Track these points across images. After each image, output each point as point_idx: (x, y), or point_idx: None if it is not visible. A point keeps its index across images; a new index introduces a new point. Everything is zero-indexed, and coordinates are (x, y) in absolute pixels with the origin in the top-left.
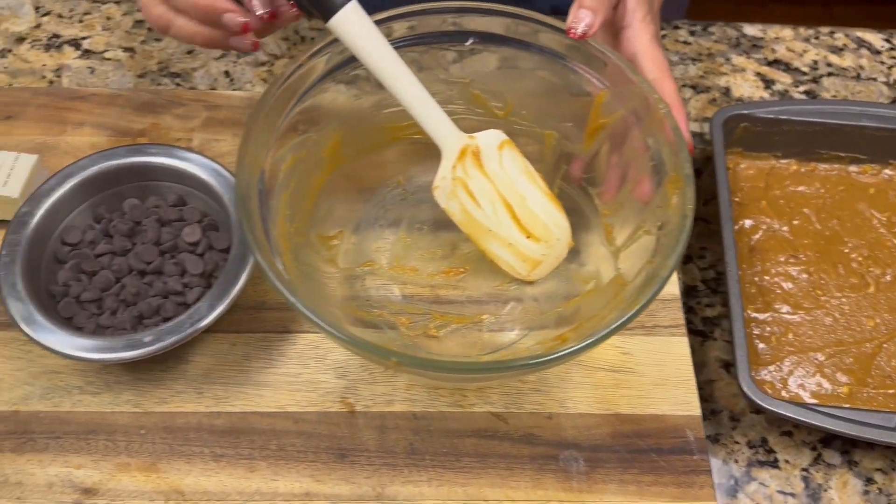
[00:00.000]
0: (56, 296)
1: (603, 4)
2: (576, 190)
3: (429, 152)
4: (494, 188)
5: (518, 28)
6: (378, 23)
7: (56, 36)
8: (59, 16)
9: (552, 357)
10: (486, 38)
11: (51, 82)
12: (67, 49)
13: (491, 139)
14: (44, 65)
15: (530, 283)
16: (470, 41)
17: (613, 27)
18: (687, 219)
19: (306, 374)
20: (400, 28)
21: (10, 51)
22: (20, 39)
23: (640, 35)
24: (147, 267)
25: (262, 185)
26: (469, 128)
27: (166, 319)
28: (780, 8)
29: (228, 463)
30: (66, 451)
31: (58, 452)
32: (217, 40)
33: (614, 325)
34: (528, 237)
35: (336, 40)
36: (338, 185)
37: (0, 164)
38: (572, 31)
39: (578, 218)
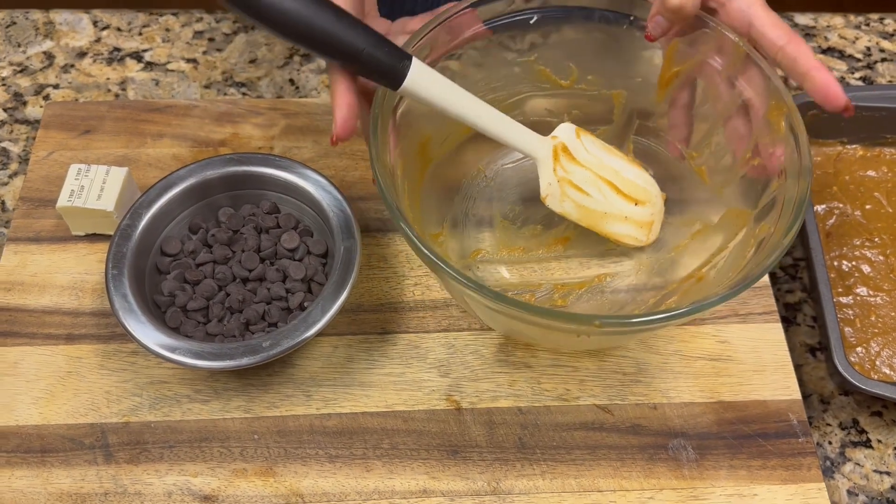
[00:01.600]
0: (161, 306)
1: None
2: (651, 142)
3: None
4: (593, 173)
5: None
6: (446, 18)
7: (117, 49)
8: (118, 29)
9: (730, 292)
10: (549, 12)
11: (116, 95)
12: (130, 62)
13: (568, 132)
14: (108, 78)
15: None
16: (535, 17)
17: (705, 5)
18: (805, 138)
19: (409, 374)
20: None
21: (72, 66)
22: (81, 54)
23: (753, 3)
24: (250, 274)
25: (394, 194)
26: (536, 105)
27: (272, 324)
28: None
29: (344, 463)
30: (181, 460)
31: (173, 461)
32: None
33: (783, 247)
34: (636, 204)
35: (420, 40)
36: (432, 184)
37: (93, 178)
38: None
39: (662, 168)
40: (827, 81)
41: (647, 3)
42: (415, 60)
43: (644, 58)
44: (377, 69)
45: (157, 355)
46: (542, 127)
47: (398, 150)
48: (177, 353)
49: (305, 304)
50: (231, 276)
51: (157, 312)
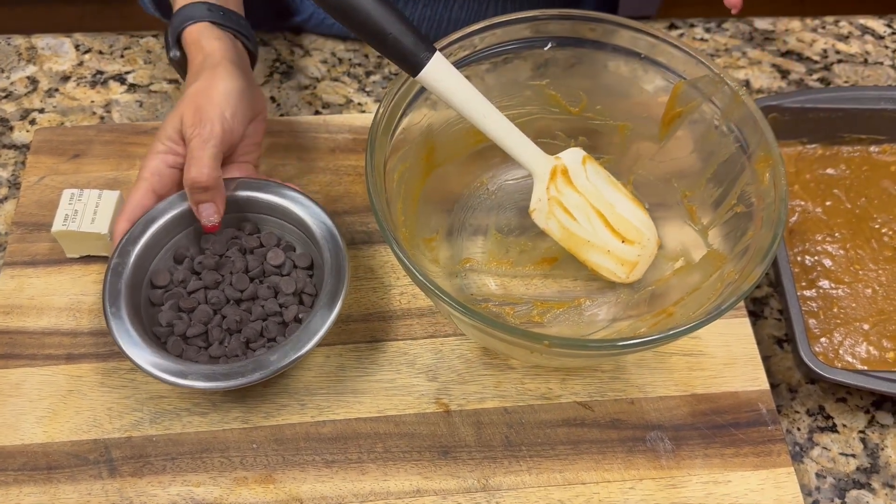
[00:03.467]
0: (161, 336)
1: None
2: (652, 176)
3: (504, 152)
4: (586, 201)
5: (593, 29)
6: (464, 37)
7: (100, 72)
8: (100, 52)
9: (691, 326)
10: (564, 42)
11: (101, 118)
12: (113, 84)
13: (575, 156)
14: (92, 101)
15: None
16: (549, 45)
17: None
18: (784, 192)
19: (400, 380)
20: (483, 39)
21: (57, 90)
22: (65, 78)
23: None
24: (242, 294)
25: (386, 195)
26: (545, 127)
27: (271, 339)
28: None
29: (340, 468)
30: (183, 471)
31: (176, 473)
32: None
33: (742, 292)
34: (623, 241)
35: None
36: (432, 191)
37: (86, 202)
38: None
39: (657, 204)
40: None
41: (658, 44)
42: (437, 54)
43: (651, 95)
44: (399, 54)
45: (172, 384)
46: (549, 149)
47: (399, 155)
48: (189, 378)
49: (300, 315)
50: (224, 299)
51: (159, 343)
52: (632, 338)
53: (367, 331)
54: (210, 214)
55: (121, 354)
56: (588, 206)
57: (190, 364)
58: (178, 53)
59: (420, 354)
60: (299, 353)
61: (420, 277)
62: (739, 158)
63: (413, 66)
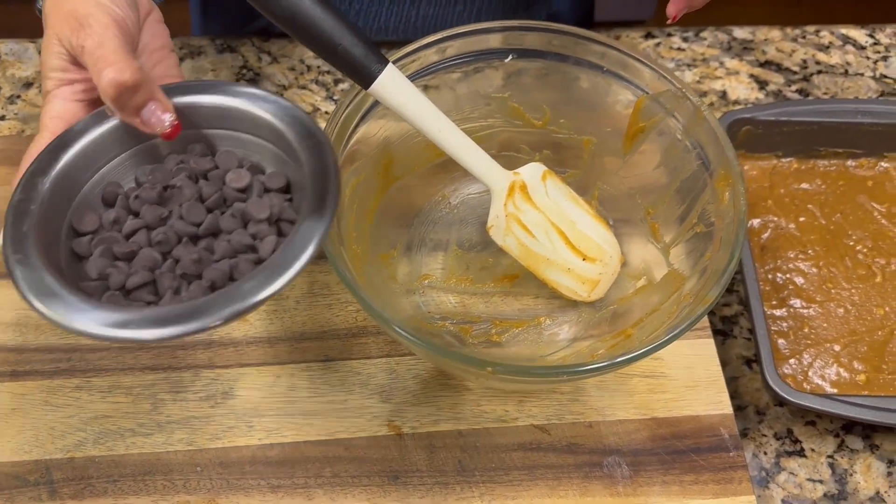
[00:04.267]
0: (94, 293)
1: None
2: (616, 191)
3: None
4: (546, 218)
5: (556, 41)
6: (423, 47)
7: None
8: None
9: (645, 350)
10: (525, 53)
11: None
12: None
13: (534, 171)
14: None
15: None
16: (510, 57)
17: None
18: (743, 213)
19: (352, 401)
20: (444, 49)
21: (19, 96)
22: (28, 84)
23: None
24: (198, 229)
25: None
26: (508, 140)
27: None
28: None
29: (286, 493)
30: (125, 494)
31: (117, 496)
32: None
33: (693, 318)
34: (584, 259)
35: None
36: (390, 205)
37: None
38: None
39: (621, 220)
40: None
41: (620, 57)
42: (390, 66)
43: (615, 109)
44: (349, 66)
45: (110, 339)
46: (514, 163)
47: (352, 168)
48: (132, 327)
49: (280, 248)
50: (175, 238)
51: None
52: (577, 365)
53: (320, 349)
54: (160, 116)
55: (68, 370)
56: (547, 223)
57: (132, 311)
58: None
59: (374, 374)
60: (287, 275)
61: (359, 295)
62: (701, 176)
63: (364, 79)
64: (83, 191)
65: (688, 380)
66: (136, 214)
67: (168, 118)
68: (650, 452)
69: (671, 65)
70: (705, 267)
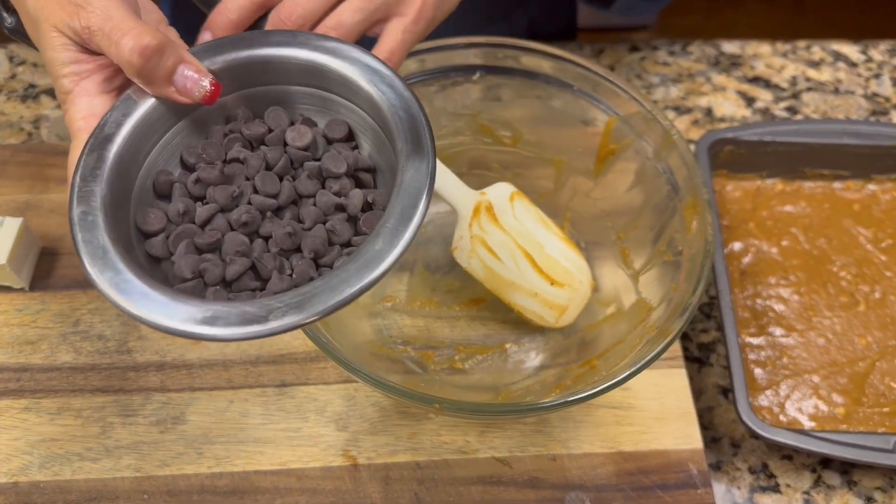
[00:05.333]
0: (192, 293)
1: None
2: (588, 214)
3: None
4: (512, 240)
5: (526, 60)
6: None
7: (32, 86)
8: (35, 65)
9: (598, 389)
10: (494, 71)
11: (30, 134)
12: (45, 98)
13: (501, 192)
14: (21, 116)
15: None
16: (477, 74)
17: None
18: (710, 244)
19: (306, 428)
20: (410, 64)
21: None
22: None
23: None
24: (280, 200)
25: None
26: (477, 157)
27: (346, 245)
28: (752, 2)
29: None
30: None
31: None
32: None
33: (654, 353)
34: (551, 284)
35: None
36: None
37: None
38: None
39: (593, 242)
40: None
41: (591, 76)
42: None
43: (586, 129)
44: None
45: (238, 338)
46: (484, 181)
47: None
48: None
49: (371, 198)
50: (259, 215)
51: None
52: (528, 404)
53: (276, 373)
54: (195, 79)
55: (15, 391)
56: (514, 246)
57: (229, 304)
58: (13, 20)
59: (331, 401)
60: (399, 244)
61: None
62: (671, 202)
63: None
64: (136, 186)
65: (657, 411)
66: (202, 199)
67: (205, 80)
68: (615, 488)
69: (656, 80)
70: (671, 298)
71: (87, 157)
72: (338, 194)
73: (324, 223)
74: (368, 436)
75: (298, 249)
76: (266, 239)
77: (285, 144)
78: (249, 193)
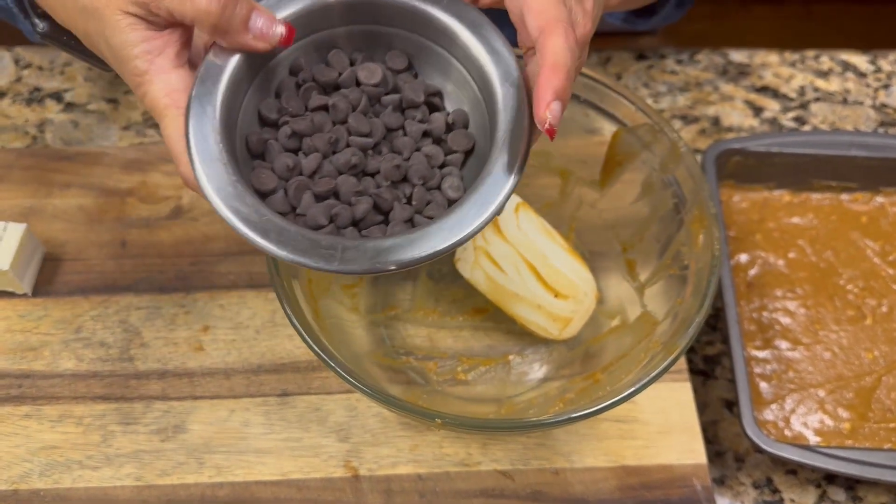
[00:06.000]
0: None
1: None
2: (593, 224)
3: None
4: (516, 251)
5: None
6: None
7: (37, 89)
8: (40, 68)
9: (602, 406)
10: None
11: (34, 138)
12: (49, 102)
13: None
14: (26, 120)
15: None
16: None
17: None
18: (716, 259)
19: (308, 439)
20: None
21: None
22: (0, 94)
23: None
24: (375, 137)
25: None
26: None
27: (442, 166)
28: (759, 8)
29: None
30: None
31: None
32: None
33: (660, 369)
34: (555, 296)
35: None
36: None
37: None
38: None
39: (598, 253)
40: (542, 96)
41: (597, 87)
42: None
43: (591, 139)
44: None
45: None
46: None
47: None
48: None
49: (451, 120)
50: (362, 155)
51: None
52: (529, 421)
53: (278, 383)
54: (269, 22)
55: (17, 397)
56: (518, 257)
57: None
58: (45, 24)
59: (333, 411)
60: (510, 181)
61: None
62: (677, 215)
63: None
64: (238, 149)
65: (661, 425)
66: (297, 151)
67: (279, 28)
68: (617, 503)
69: (663, 89)
70: (677, 313)
71: (196, 131)
72: (421, 121)
73: (418, 149)
74: (370, 447)
75: (404, 179)
76: (372, 175)
77: (358, 83)
78: (346, 136)
